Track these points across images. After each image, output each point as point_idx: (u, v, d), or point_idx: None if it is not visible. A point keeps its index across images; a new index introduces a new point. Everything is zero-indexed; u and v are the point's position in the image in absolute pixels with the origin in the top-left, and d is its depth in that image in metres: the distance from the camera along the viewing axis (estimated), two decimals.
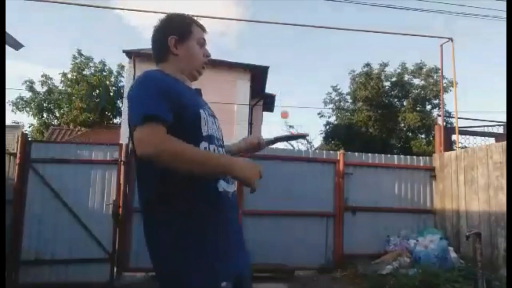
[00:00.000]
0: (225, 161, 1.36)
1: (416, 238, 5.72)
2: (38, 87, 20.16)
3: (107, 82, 20.54)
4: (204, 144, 1.39)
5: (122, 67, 20.18)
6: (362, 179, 6.13)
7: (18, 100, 19.57)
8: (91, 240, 5.09)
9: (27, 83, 19.74)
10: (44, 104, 20.23)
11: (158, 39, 1.54)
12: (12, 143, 5.18)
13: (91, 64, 20.42)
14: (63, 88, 20.17)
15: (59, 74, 19.77)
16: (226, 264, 1.36)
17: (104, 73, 20.57)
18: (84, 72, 20.12)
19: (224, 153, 1.55)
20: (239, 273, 1.44)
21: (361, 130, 17.23)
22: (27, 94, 19.91)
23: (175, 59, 1.52)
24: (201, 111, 1.43)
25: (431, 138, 15.83)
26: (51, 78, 20.20)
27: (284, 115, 2.74)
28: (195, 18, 1.64)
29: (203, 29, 1.61)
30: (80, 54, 20.11)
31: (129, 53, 11.74)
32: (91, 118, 18.77)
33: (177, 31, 1.52)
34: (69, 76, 19.81)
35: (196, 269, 1.31)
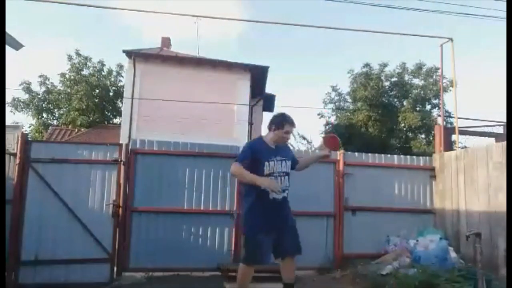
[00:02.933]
0: (251, 179, 3.20)
1: (416, 238, 5.70)
2: (36, 88, 20.07)
3: (107, 82, 20.49)
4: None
5: (121, 67, 20.14)
6: (362, 179, 6.12)
7: (16, 101, 19.44)
8: (91, 240, 5.09)
9: (24, 84, 19.61)
10: (43, 104, 20.16)
11: (270, 122, 3.53)
12: (12, 143, 5.17)
13: (90, 64, 20.36)
14: (62, 88, 20.11)
15: (57, 74, 19.75)
16: (263, 226, 3.31)
17: (103, 73, 20.51)
18: (83, 72, 20.07)
19: (283, 178, 3.45)
20: (273, 229, 3.35)
21: (361, 130, 17.23)
22: (25, 96, 19.79)
23: (272, 134, 3.49)
24: (266, 162, 3.34)
25: (431, 138, 15.83)
26: (48, 79, 20.11)
27: None
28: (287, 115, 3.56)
29: (291, 124, 3.51)
30: (78, 54, 20.05)
31: (129, 53, 11.75)
32: (90, 119, 18.73)
33: (275, 124, 3.49)
34: (67, 76, 19.75)
35: (249, 225, 3.43)
